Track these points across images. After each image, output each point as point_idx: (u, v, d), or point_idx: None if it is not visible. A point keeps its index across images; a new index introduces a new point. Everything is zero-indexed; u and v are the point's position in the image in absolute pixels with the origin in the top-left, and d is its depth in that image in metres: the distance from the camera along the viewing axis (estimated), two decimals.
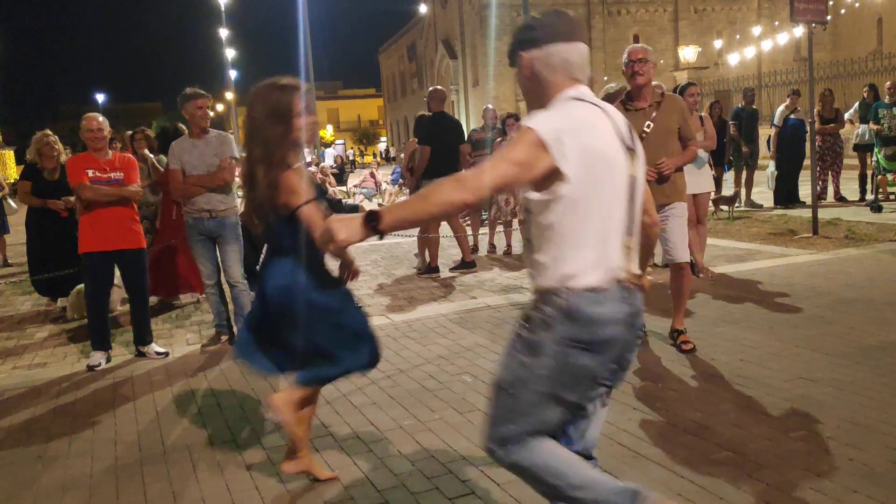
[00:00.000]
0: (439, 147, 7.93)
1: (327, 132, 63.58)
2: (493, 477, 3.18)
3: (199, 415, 4.25)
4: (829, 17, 9.20)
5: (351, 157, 49.79)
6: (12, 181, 14.10)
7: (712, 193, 7.87)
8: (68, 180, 5.31)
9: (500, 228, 9.42)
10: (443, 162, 7.80)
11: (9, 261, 11.18)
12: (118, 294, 6.35)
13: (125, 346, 5.77)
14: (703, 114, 7.10)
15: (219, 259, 5.54)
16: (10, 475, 3.58)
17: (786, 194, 11.81)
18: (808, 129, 10.44)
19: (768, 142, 12.30)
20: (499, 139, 9.09)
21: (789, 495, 2.86)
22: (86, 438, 4.00)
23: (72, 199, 6.42)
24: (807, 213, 9.71)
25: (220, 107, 51.17)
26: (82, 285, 6.58)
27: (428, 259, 8.28)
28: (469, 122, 47.71)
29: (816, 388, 3.96)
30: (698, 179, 6.82)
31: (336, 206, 12.33)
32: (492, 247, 9.43)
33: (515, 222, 9.23)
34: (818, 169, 10.54)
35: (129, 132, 8.13)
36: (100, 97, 65.76)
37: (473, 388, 4.35)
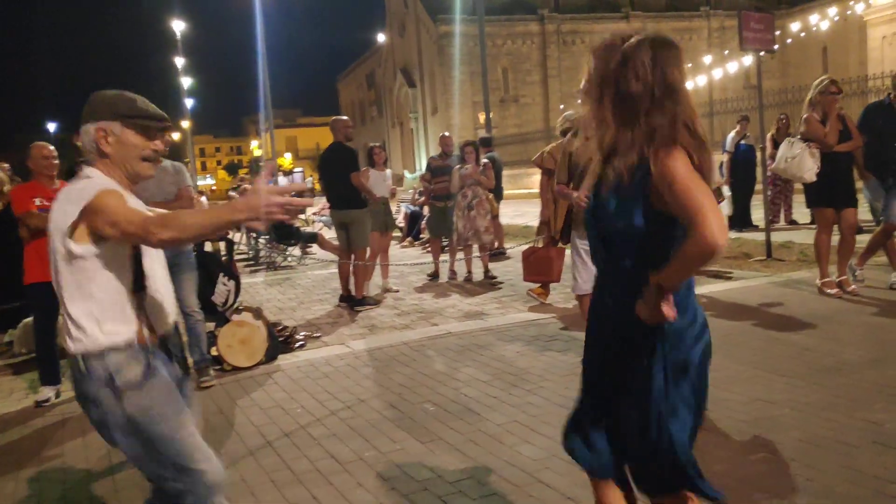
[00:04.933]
0: (330, 177, 8.16)
1: (286, 160, 63.28)
2: None
3: None
4: (776, 46, 9.46)
5: (310, 185, 49.62)
6: None
7: None
8: (14, 209, 5.15)
9: (460, 255, 9.41)
10: (335, 190, 8.07)
11: None
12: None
13: None
14: None
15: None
16: None
17: (739, 218, 12.04)
18: (758, 154, 10.68)
19: (721, 167, 12.54)
20: (457, 167, 9.10)
21: None
22: (33, 478, 3.85)
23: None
24: (760, 237, 9.89)
25: (175, 135, 50.63)
26: (29, 318, 6.38)
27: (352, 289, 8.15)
28: (429, 149, 47.95)
29: (775, 410, 3.99)
30: None
31: (295, 234, 12.22)
32: (452, 273, 9.42)
33: (476, 248, 9.24)
34: (769, 193, 10.75)
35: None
36: (51, 126, 64.51)
37: (435, 417, 4.29)
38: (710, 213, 1.83)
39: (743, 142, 12.16)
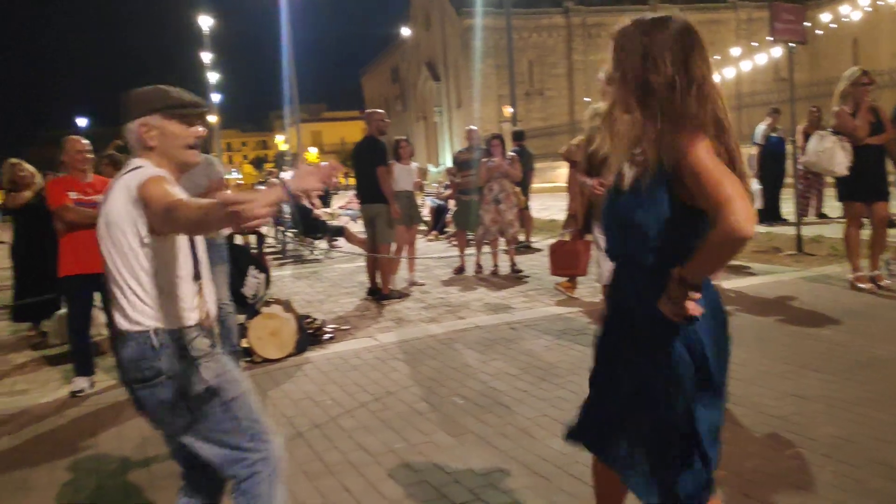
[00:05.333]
0: (359, 170, 8.19)
1: (311, 154, 63.59)
2: (488, 499, 3.14)
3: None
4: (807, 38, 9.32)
5: (335, 179, 49.75)
6: None
7: None
8: (49, 203, 5.24)
9: (486, 249, 9.41)
10: (363, 184, 8.11)
11: None
12: (100, 318, 6.26)
13: (108, 371, 5.68)
14: None
15: None
16: None
17: (769, 212, 11.90)
18: (788, 147, 10.55)
19: (750, 160, 12.40)
20: (484, 160, 9.10)
21: None
22: (69, 467, 3.91)
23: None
24: (790, 231, 9.79)
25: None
26: (64, 310, 6.49)
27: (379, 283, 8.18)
28: (453, 143, 47.93)
29: (807, 405, 3.95)
30: None
31: (322, 227, 12.30)
32: (479, 267, 9.42)
33: (502, 242, 9.23)
34: (800, 186, 10.61)
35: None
36: (81, 121, 65.35)
37: (464, 410, 4.30)
38: (738, 200, 1.78)
39: (773, 134, 12.01)
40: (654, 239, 1.97)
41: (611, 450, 2.19)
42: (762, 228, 11.30)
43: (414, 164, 9.09)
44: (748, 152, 13.18)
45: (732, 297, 6.72)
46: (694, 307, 1.91)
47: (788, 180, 11.29)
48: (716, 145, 1.90)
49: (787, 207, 11.40)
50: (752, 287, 7.14)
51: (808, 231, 9.63)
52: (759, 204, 11.86)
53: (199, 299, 2.31)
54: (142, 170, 2.24)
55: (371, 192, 7.99)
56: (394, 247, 8.43)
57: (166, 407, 2.24)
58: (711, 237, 1.81)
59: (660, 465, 2.06)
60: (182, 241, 2.28)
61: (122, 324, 2.23)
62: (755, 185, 11.95)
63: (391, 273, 8.20)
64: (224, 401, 2.25)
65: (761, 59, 25.88)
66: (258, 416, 2.34)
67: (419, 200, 17.11)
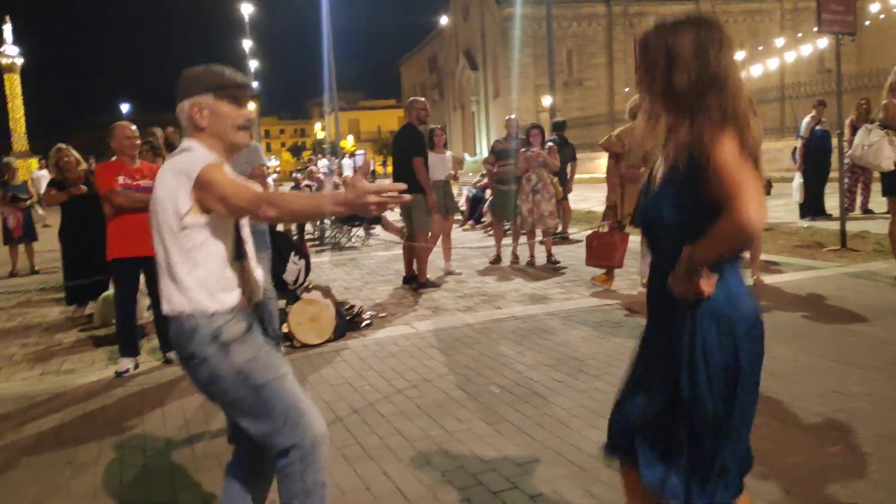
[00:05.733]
0: (397, 159, 8.22)
1: (348, 142, 63.93)
2: (524, 488, 3.16)
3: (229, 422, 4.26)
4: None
5: (371, 168, 50.04)
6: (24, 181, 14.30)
7: None
8: (98, 187, 5.38)
9: (523, 239, 9.40)
10: (400, 173, 8.09)
11: (36, 268, 11.32)
12: (144, 302, 6.40)
13: (152, 353, 5.82)
14: None
15: None
16: (40, 481, 3.60)
17: (812, 207, 11.69)
18: (833, 140, 10.34)
19: (794, 153, 12.18)
20: (522, 149, 9.07)
21: None
22: (115, 445, 4.02)
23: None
24: (834, 226, 9.61)
25: None
26: (109, 292, 6.66)
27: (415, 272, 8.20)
28: (490, 132, 47.80)
29: (850, 403, 3.89)
30: None
31: (359, 215, 12.38)
32: (515, 257, 9.41)
33: (539, 233, 9.21)
34: (846, 181, 10.39)
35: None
36: (124, 107, 66.56)
37: (501, 399, 4.32)
38: (749, 193, 1.78)
39: (818, 127, 11.76)
40: (680, 236, 1.96)
41: (643, 453, 2.15)
42: (804, 223, 11.12)
43: (448, 153, 9.06)
44: (792, 145, 12.98)
45: (773, 293, 6.63)
46: (705, 285, 1.92)
47: (833, 174, 11.05)
48: (739, 141, 1.90)
49: (832, 202, 11.17)
50: (794, 283, 7.03)
51: (852, 226, 9.45)
52: (800, 198, 11.66)
53: (241, 281, 2.33)
54: (194, 153, 2.26)
55: (407, 181, 7.97)
56: (429, 236, 8.45)
57: (204, 387, 2.31)
58: (720, 225, 1.82)
59: (690, 464, 2.04)
60: (227, 223, 2.30)
61: (164, 306, 2.29)
62: (797, 179, 11.77)
63: (426, 262, 8.22)
64: (255, 385, 2.27)
65: (806, 49, 25.30)
66: (295, 401, 2.34)
67: (455, 191, 17.15)
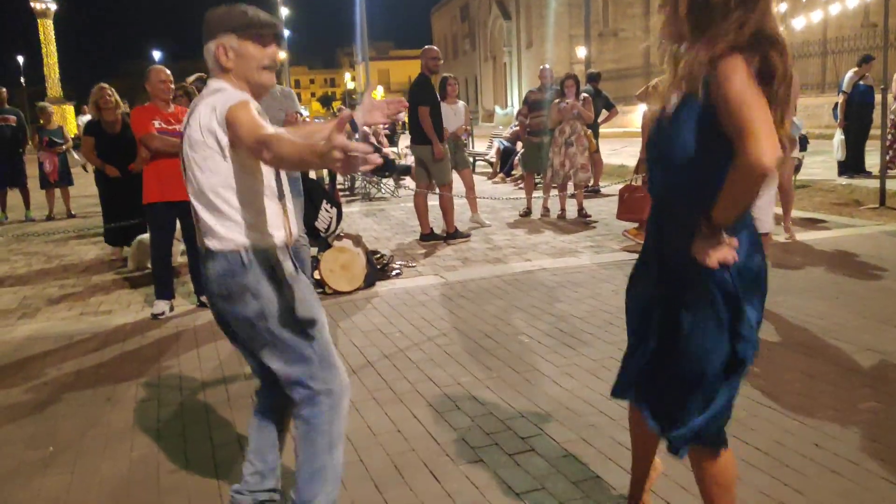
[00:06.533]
0: (410, 111, 7.91)
1: (378, 93, 63.54)
2: (553, 435, 3.19)
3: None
4: None
5: (402, 119, 49.71)
6: (73, 135, 14.45)
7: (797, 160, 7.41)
8: (134, 131, 5.41)
9: (554, 192, 9.33)
10: (412, 124, 7.95)
11: (73, 212, 11.50)
12: (178, 247, 6.48)
13: (186, 296, 5.91)
14: None
15: None
16: (81, 415, 3.71)
17: (852, 164, 11.42)
18: (877, 96, 10.04)
19: (835, 109, 11.86)
20: (556, 100, 8.94)
21: (858, 465, 2.80)
22: (152, 384, 4.12)
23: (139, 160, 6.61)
24: (873, 184, 9.40)
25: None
26: (143, 236, 6.76)
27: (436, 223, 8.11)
28: (522, 84, 47.14)
29: (886, 360, 3.85)
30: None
31: (389, 166, 12.36)
32: (545, 210, 9.35)
33: (570, 186, 9.12)
34: (889, 137, 10.10)
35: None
36: (156, 54, 66.66)
37: (530, 349, 4.34)
38: (760, 129, 1.67)
39: (862, 82, 11.41)
40: (688, 176, 1.88)
41: (644, 394, 2.22)
42: (843, 180, 10.88)
43: (461, 104, 8.84)
44: (834, 100, 12.63)
45: (808, 250, 6.53)
46: (728, 252, 1.85)
47: (875, 132, 10.76)
48: (762, 63, 1.77)
49: (873, 160, 10.90)
50: (831, 240, 6.92)
51: (892, 184, 9.22)
52: (841, 155, 11.39)
53: (284, 219, 2.34)
54: (226, 93, 2.25)
55: (418, 132, 7.86)
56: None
57: (248, 324, 2.29)
58: (731, 171, 1.72)
59: (684, 402, 2.05)
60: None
61: (211, 242, 2.27)
62: (838, 136, 11.49)
63: (452, 214, 8.06)
64: (302, 325, 2.29)
65: (851, 2, 24.44)
66: (331, 347, 2.37)
67: (484, 143, 16.97)
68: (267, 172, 2.29)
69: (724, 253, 1.86)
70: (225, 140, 2.18)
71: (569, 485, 2.78)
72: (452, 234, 7.97)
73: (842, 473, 2.76)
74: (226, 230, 2.24)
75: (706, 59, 1.81)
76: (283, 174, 2.38)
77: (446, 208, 7.99)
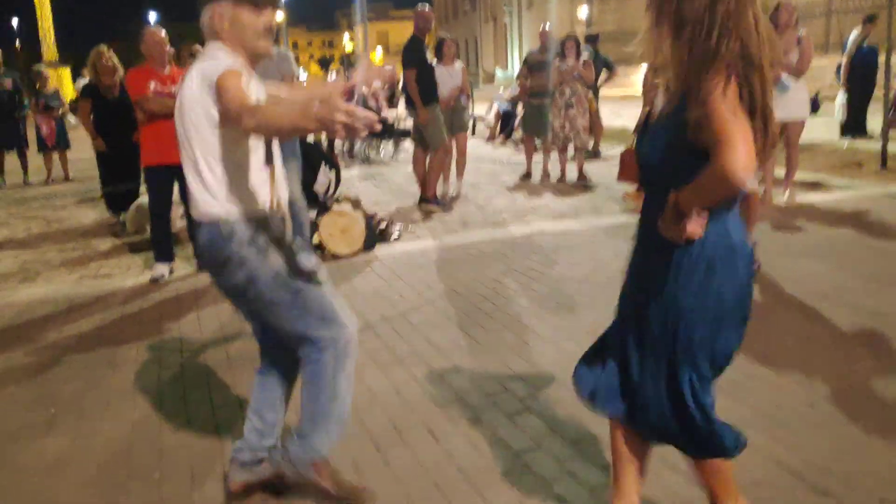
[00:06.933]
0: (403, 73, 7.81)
1: (377, 55, 62.86)
2: (550, 396, 3.22)
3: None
4: None
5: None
6: (70, 99, 14.33)
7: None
8: (129, 93, 5.35)
9: (554, 155, 9.27)
10: (406, 87, 7.72)
11: (70, 176, 11.46)
12: (177, 210, 6.46)
13: (186, 260, 5.92)
14: (801, 34, 6.62)
15: None
16: (82, 377, 3.74)
17: (854, 125, 11.33)
18: (881, 57, 9.92)
19: (839, 70, 11.73)
20: (556, 62, 8.83)
21: (855, 424, 2.83)
22: (153, 346, 4.15)
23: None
24: (875, 146, 9.34)
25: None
26: (141, 200, 6.74)
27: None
28: (522, 45, 46.62)
29: (885, 322, 3.86)
30: (790, 105, 6.51)
31: (389, 130, 12.28)
32: (546, 173, 9.30)
33: (571, 148, 9.07)
34: (892, 99, 10.01)
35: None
36: (152, 15, 65.81)
37: (530, 311, 4.36)
38: (739, 144, 1.70)
39: (865, 43, 11.26)
40: (668, 177, 1.90)
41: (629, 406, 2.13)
42: (845, 142, 10.82)
43: (458, 65, 8.65)
44: (838, 61, 12.49)
45: (809, 212, 6.52)
46: (693, 227, 1.86)
47: (878, 93, 10.66)
48: (741, 84, 1.80)
49: (874, 122, 10.82)
50: (831, 201, 6.91)
51: (894, 147, 9.16)
52: (842, 116, 11.30)
53: (271, 186, 2.34)
54: (217, 61, 2.24)
55: (409, 96, 7.69)
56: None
57: (239, 290, 2.33)
58: (707, 172, 1.76)
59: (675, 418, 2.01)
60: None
61: (197, 211, 2.30)
62: (840, 97, 11.38)
63: (437, 179, 7.91)
64: (293, 287, 2.31)
65: None
66: (329, 300, 2.38)
67: (484, 105, 16.82)
68: (256, 141, 2.29)
69: (692, 227, 1.87)
70: (213, 108, 2.18)
71: (566, 445, 2.82)
72: (428, 200, 7.78)
73: (836, 432, 2.79)
74: (210, 199, 2.26)
75: (689, 73, 1.83)
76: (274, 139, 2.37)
77: (432, 169, 7.81)
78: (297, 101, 2.23)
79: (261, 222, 2.31)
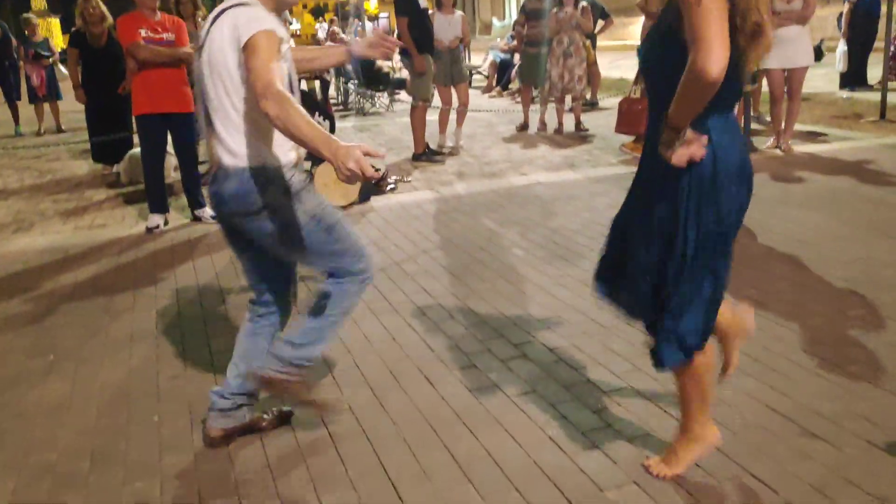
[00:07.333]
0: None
1: (371, 4, 61.71)
2: (545, 341, 3.24)
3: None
4: None
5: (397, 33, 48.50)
6: (60, 49, 14.09)
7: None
8: (120, 40, 5.26)
9: (551, 105, 9.19)
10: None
11: (62, 127, 11.33)
12: (171, 161, 6.41)
13: (180, 210, 5.89)
14: None
15: None
16: (80, 325, 3.75)
17: (854, 76, 11.22)
18: (883, 7, 9.77)
19: (840, 19, 11.57)
20: (554, 10, 8.69)
21: (844, 369, 2.86)
22: (149, 295, 4.15)
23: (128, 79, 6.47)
24: (874, 97, 9.27)
25: None
26: (134, 150, 6.68)
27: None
28: None
29: (876, 271, 3.88)
30: (793, 52, 6.43)
31: (384, 80, 12.13)
32: (542, 124, 9.23)
33: (568, 99, 8.98)
34: (893, 49, 9.90)
35: None
36: None
37: (524, 261, 4.37)
38: (712, 41, 1.71)
39: None
40: (664, 84, 1.91)
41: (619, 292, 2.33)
42: (844, 93, 10.73)
43: (458, 14, 8.45)
44: (839, 10, 12.32)
45: (806, 161, 6.49)
46: (694, 149, 1.88)
47: (879, 44, 10.53)
48: None
49: (875, 73, 10.72)
50: (829, 151, 6.88)
51: (894, 98, 9.10)
52: (843, 67, 11.18)
53: None
54: (254, 11, 2.18)
55: (403, 46, 7.42)
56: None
57: (273, 236, 2.36)
58: (683, 76, 1.77)
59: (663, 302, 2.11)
60: (283, 77, 2.22)
61: (226, 159, 2.30)
62: (841, 47, 11.25)
63: (422, 133, 7.77)
64: (327, 226, 2.37)
65: None
66: (355, 237, 2.47)
67: (480, 56, 16.59)
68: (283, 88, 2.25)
69: (692, 150, 1.89)
70: (242, 64, 2.17)
71: (559, 388, 2.85)
72: (418, 155, 7.73)
73: (826, 377, 2.82)
74: (243, 147, 2.27)
75: None
76: (295, 91, 2.36)
77: (415, 125, 7.71)
78: (322, 131, 2.17)
79: (291, 169, 2.36)
